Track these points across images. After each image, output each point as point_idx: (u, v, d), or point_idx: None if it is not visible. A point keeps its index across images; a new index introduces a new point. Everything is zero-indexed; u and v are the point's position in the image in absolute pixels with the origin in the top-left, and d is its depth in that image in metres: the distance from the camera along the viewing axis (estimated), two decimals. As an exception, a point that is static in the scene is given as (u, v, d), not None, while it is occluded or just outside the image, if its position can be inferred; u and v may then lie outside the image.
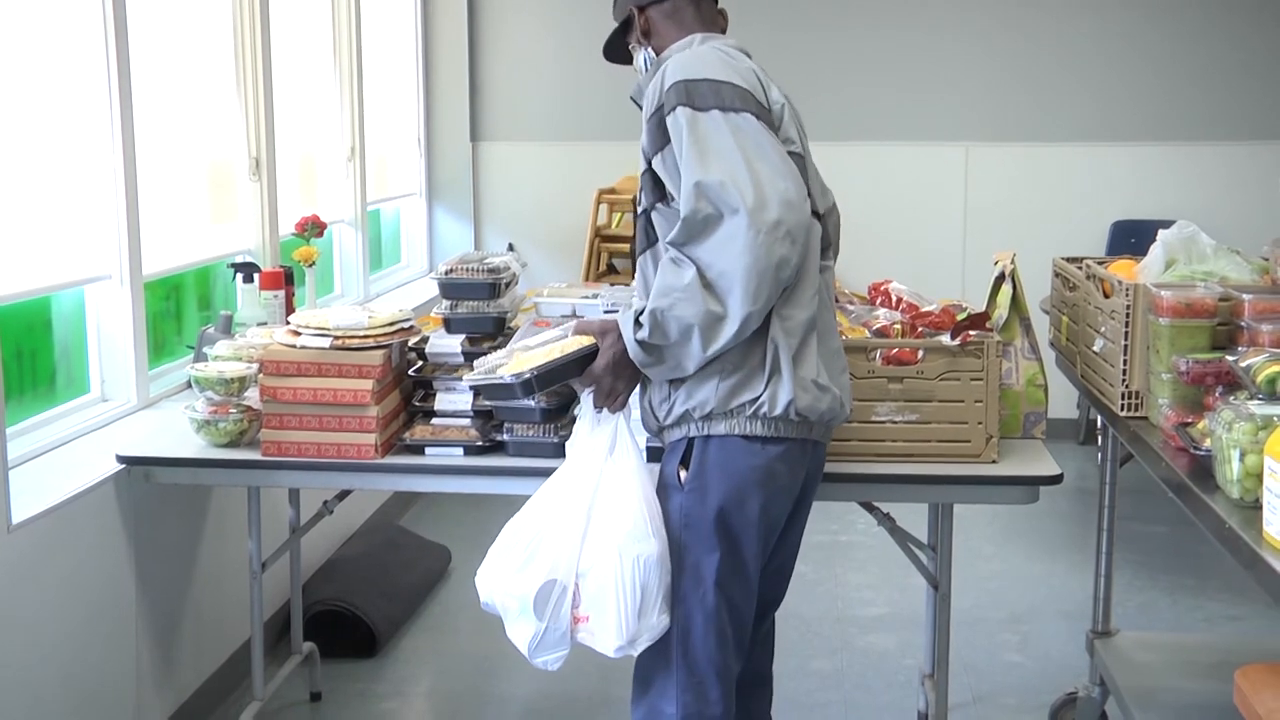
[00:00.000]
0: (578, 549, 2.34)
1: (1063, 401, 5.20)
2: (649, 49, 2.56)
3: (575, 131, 6.56)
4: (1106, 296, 2.93)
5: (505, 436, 2.95)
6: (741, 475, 2.32)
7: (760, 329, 2.28)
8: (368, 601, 4.09)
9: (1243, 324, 2.61)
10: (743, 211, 2.18)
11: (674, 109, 2.28)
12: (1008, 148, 6.47)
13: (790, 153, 2.32)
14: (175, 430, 3.11)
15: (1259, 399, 2.27)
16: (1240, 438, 2.17)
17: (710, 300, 2.22)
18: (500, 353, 2.56)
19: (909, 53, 6.43)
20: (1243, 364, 2.38)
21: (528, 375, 2.35)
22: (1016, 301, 3.09)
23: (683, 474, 2.35)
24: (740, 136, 2.24)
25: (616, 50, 2.67)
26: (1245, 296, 2.64)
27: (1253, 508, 2.11)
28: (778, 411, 2.29)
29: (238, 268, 3.83)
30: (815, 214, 2.37)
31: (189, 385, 3.18)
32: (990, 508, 4.58)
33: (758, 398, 2.29)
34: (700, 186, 2.20)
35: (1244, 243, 3.23)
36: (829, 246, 2.47)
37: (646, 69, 2.55)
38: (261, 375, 2.96)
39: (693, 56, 2.37)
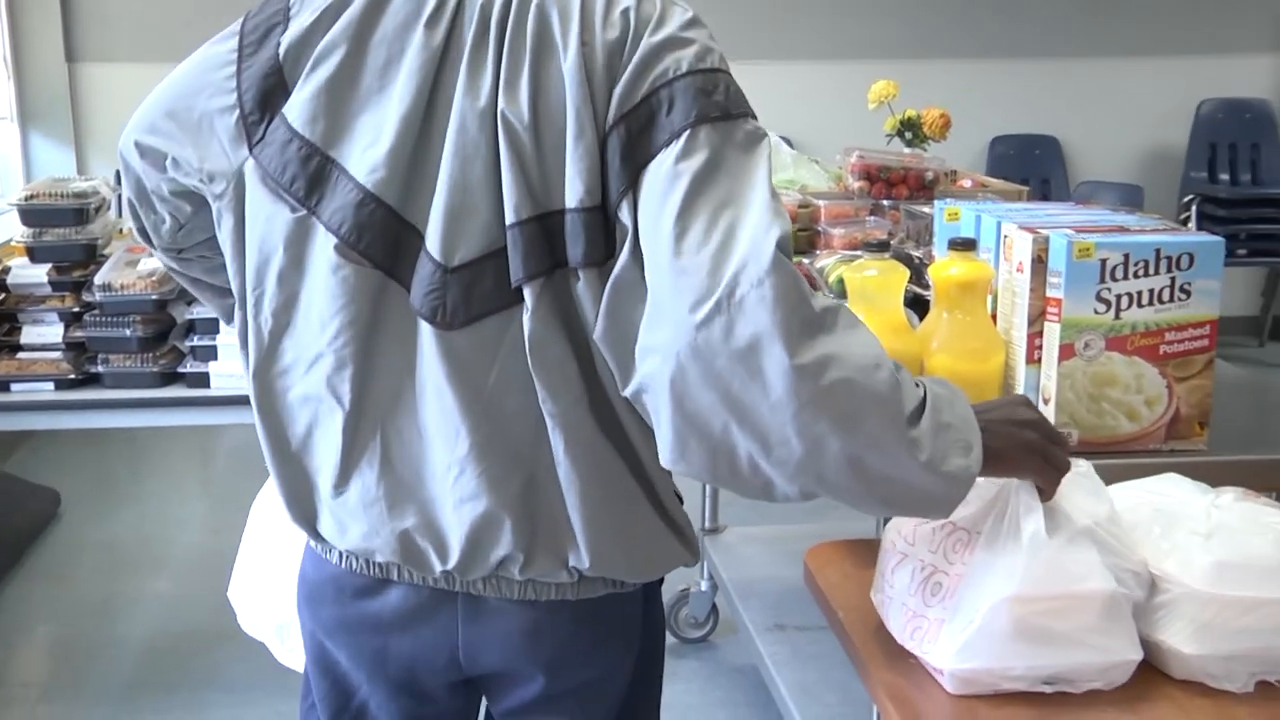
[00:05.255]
0: None
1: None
2: None
3: (185, 53, 6.23)
4: (701, 207, 3.05)
5: (100, 368, 2.83)
6: (301, 583, 1.64)
7: None
8: (-36, 552, 3.85)
9: (819, 229, 2.77)
10: None
11: None
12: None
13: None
14: None
15: (831, 298, 2.43)
16: (812, 334, 2.32)
17: None
18: None
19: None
20: (817, 265, 2.54)
21: None
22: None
23: None
24: None
25: None
26: (821, 203, 2.81)
27: (825, 399, 2.26)
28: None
29: None
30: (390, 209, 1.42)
31: None
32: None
33: None
34: None
35: (830, 153, 3.39)
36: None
37: None
38: None
39: None
